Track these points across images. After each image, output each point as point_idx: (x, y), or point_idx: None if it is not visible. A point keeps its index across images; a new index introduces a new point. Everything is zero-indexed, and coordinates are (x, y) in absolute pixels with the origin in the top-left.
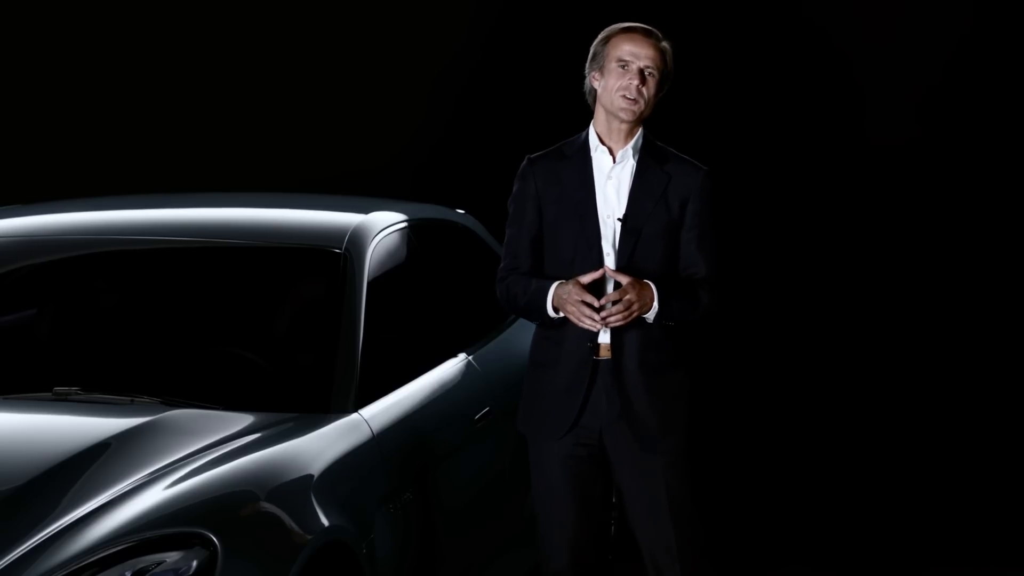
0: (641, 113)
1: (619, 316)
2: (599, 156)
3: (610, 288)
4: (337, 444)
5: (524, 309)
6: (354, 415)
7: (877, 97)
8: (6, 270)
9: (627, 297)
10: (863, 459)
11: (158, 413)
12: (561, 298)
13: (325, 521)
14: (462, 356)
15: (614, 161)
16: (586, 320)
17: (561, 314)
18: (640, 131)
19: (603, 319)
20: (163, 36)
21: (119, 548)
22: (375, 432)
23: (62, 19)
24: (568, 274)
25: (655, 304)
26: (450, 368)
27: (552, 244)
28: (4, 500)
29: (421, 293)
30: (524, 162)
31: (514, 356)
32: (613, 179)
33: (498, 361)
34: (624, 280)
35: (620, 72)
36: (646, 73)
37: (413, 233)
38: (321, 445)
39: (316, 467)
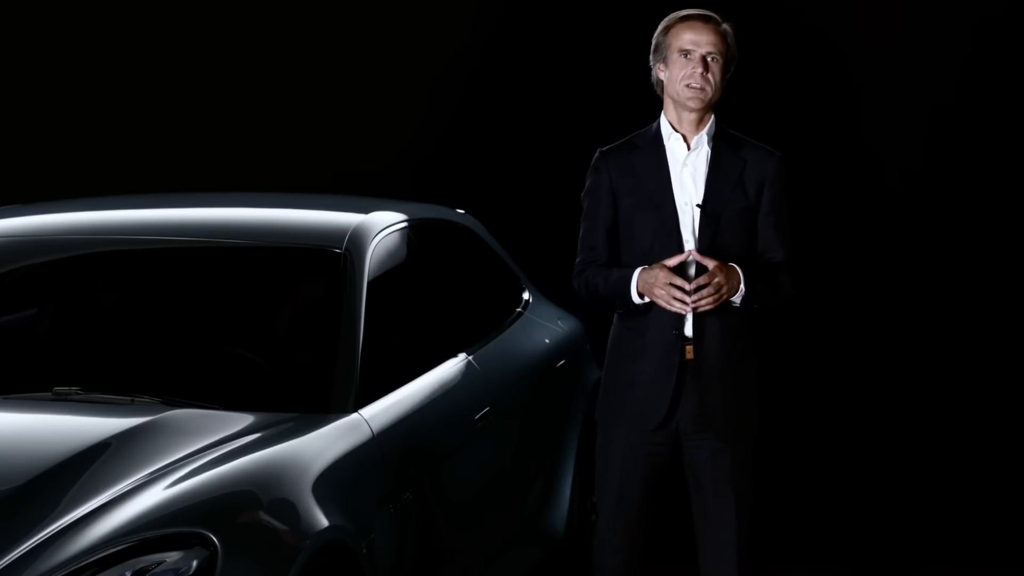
0: (710, 99)
1: (709, 300)
2: (673, 144)
3: (691, 272)
4: (337, 444)
5: (606, 298)
6: (354, 415)
7: (878, 103)
8: (6, 270)
9: (716, 280)
10: (863, 458)
11: (158, 413)
12: (647, 283)
13: (325, 521)
14: (462, 356)
15: (689, 148)
16: (676, 304)
17: (646, 299)
18: (712, 117)
19: (692, 303)
20: (163, 36)
21: (119, 548)
22: (375, 432)
23: (62, 19)
24: (647, 262)
25: (742, 286)
26: (450, 368)
27: (628, 234)
28: (4, 500)
29: (421, 293)
30: (596, 155)
31: (514, 356)
32: (689, 166)
33: (498, 361)
34: (711, 264)
35: (683, 61)
36: (709, 59)
37: (413, 233)
38: (321, 445)
39: (316, 467)
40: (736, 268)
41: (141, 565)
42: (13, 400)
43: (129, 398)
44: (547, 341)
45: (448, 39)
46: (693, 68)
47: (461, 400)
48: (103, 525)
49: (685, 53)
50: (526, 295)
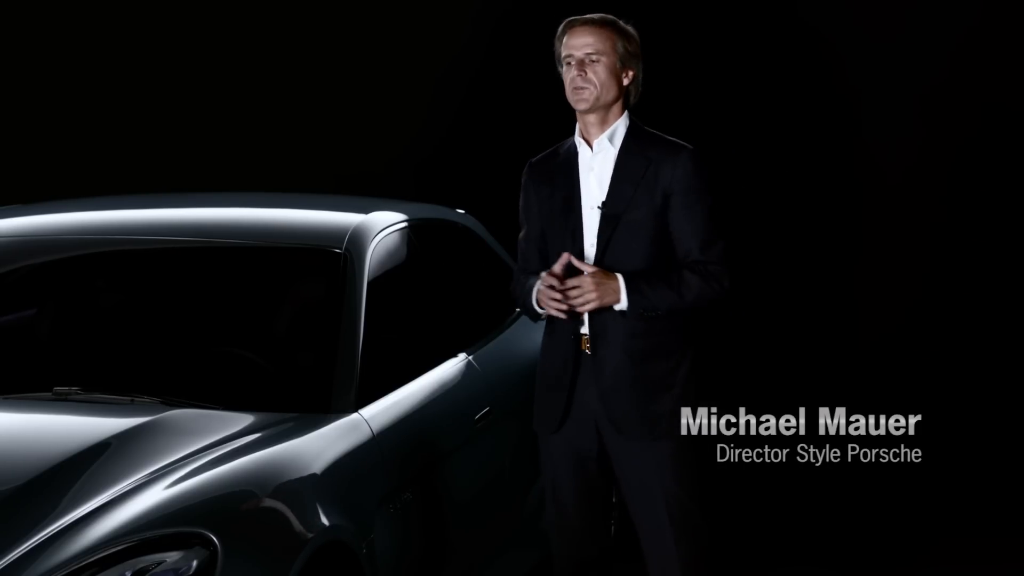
0: (595, 98)
1: (581, 300)
2: (582, 149)
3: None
4: (337, 444)
5: (526, 312)
6: (354, 415)
7: (874, 100)
8: (6, 270)
9: (587, 282)
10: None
11: (158, 413)
12: (540, 291)
13: (325, 521)
14: (462, 356)
15: (592, 151)
16: (552, 304)
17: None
18: (621, 119)
19: (567, 305)
20: (163, 36)
21: (119, 548)
22: (375, 432)
23: (62, 19)
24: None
25: (623, 296)
26: (450, 368)
27: (548, 241)
28: (4, 500)
29: (421, 293)
30: (525, 168)
31: (514, 356)
32: (595, 169)
33: (498, 361)
34: (587, 269)
35: (567, 68)
36: (588, 60)
37: (413, 233)
38: (321, 445)
39: (316, 467)
40: (616, 277)
41: (141, 565)
42: (13, 400)
43: (129, 398)
44: None
45: (449, 39)
46: (573, 73)
47: (461, 400)
48: (103, 525)
49: (568, 60)
50: None
